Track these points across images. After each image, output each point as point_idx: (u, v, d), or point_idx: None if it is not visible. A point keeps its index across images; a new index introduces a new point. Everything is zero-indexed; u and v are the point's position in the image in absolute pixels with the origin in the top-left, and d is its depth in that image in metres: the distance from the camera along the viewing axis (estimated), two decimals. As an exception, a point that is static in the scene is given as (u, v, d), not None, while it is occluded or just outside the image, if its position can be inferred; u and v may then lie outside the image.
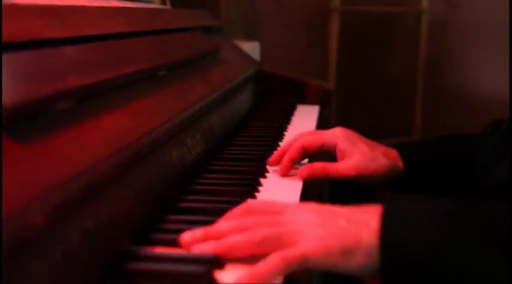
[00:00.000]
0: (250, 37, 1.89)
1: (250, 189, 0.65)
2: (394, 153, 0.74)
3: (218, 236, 0.49)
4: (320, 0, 2.26)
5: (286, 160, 0.73)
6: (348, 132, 0.74)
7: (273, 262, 0.45)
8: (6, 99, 0.39)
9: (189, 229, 0.54)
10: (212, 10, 1.22)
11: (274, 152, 0.76)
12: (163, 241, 0.51)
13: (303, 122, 1.06)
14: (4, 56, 0.43)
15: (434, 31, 2.40)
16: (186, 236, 0.50)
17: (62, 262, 0.40)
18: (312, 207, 0.52)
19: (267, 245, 0.47)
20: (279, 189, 0.68)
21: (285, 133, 0.97)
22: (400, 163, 0.73)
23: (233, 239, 0.48)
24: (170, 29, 0.86)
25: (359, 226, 0.48)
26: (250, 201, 0.61)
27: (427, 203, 0.51)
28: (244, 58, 1.28)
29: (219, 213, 0.57)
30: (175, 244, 0.51)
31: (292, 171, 0.73)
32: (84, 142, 0.47)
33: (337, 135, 0.73)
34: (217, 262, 0.47)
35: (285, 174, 0.72)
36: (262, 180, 0.69)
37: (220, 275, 0.45)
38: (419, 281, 0.46)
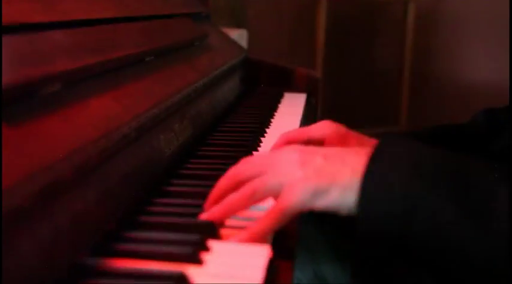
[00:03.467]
0: (237, 25, 1.89)
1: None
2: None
3: (219, 198, 0.54)
4: (308, -12, 2.27)
5: None
6: (336, 128, 0.70)
7: (262, 223, 0.50)
8: (-5, 81, 0.40)
9: (176, 212, 0.56)
10: (200, -3, 1.22)
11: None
12: (150, 223, 0.52)
13: (290, 109, 1.07)
14: (-8, 40, 0.44)
15: (422, 21, 2.41)
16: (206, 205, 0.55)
17: (50, 242, 0.40)
18: (292, 148, 0.54)
19: (258, 197, 0.52)
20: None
21: (271, 120, 0.98)
22: None
23: (228, 201, 0.52)
24: (158, 15, 0.87)
25: (336, 164, 0.51)
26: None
27: (415, 154, 0.51)
28: (231, 45, 1.28)
29: (206, 196, 0.59)
30: (162, 226, 0.52)
31: None
32: (71, 126, 0.47)
33: (324, 132, 0.69)
34: (202, 243, 0.48)
35: None
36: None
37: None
38: (393, 233, 0.47)
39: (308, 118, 1.04)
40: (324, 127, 0.70)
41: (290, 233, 0.54)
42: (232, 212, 0.53)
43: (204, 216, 0.53)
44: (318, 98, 1.29)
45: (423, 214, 0.46)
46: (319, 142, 0.69)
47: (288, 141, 0.70)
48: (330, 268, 0.75)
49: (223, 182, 0.55)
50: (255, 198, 0.52)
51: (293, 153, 0.53)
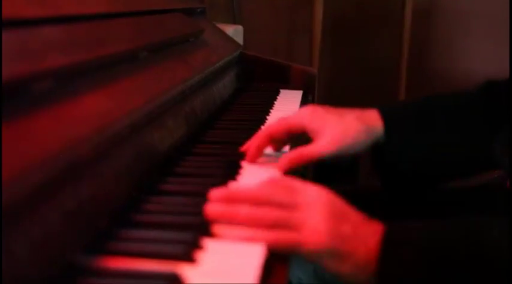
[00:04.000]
0: (233, 20, 1.89)
1: (232, 171, 0.66)
2: (370, 114, 0.72)
3: (237, 200, 0.52)
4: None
5: (252, 148, 0.71)
6: (312, 110, 0.71)
7: (270, 236, 0.49)
8: (-16, 78, 0.39)
9: (170, 210, 0.55)
10: (195, -8, 1.21)
11: (246, 143, 0.73)
12: (144, 222, 0.52)
13: (286, 106, 1.07)
14: (-18, 35, 0.43)
15: (419, 16, 2.40)
16: (213, 195, 0.53)
17: (42, 241, 0.40)
18: (328, 198, 0.53)
19: (275, 226, 0.50)
20: (260, 171, 0.68)
21: (267, 117, 0.97)
22: (379, 123, 0.71)
23: (246, 214, 0.51)
24: (152, 10, 0.86)
25: (359, 239, 0.50)
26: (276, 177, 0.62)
27: (424, 234, 0.52)
28: (227, 41, 1.27)
29: (201, 195, 0.58)
30: (156, 225, 0.51)
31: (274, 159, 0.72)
32: (64, 123, 0.47)
33: (302, 117, 0.71)
34: (196, 242, 0.47)
35: (253, 161, 0.70)
36: (243, 163, 0.70)
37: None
38: None
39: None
40: (300, 114, 0.72)
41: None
42: (238, 222, 0.51)
43: (211, 210, 0.51)
44: (315, 94, 1.28)
45: None
46: (299, 128, 0.71)
47: (269, 134, 0.71)
48: None
49: (250, 193, 0.53)
50: (272, 227, 0.50)
51: (331, 205, 0.52)
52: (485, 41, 2.37)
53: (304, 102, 1.13)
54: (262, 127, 0.89)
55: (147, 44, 0.74)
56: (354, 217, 0.52)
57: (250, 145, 0.71)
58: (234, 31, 1.56)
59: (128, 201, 0.55)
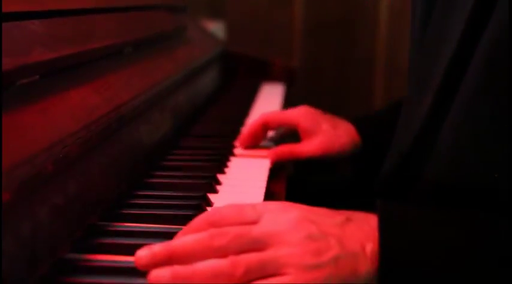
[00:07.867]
0: (215, 15, 1.88)
1: (219, 164, 0.66)
2: (353, 128, 0.74)
3: (183, 257, 0.40)
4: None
5: (245, 133, 0.74)
6: (310, 111, 0.74)
7: None
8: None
9: (158, 205, 0.55)
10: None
11: (241, 131, 0.76)
12: (133, 216, 0.52)
13: (268, 100, 1.07)
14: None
15: (395, 14, 2.42)
16: (142, 255, 0.40)
17: (30, 237, 0.39)
18: (294, 218, 0.42)
19: (249, 277, 0.39)
20: (247, 164, 0.69)
21: (250, 110, 0.97)
22: (358, 138, 0.74)
23: (205, 269, 0.39)
24: (135, 6, 0.85)
25: (354, 254, 0.42)
26: (213, 208, 0.52)
27: (425, 219, 0.45)
28: (209, 37, 1.28)
29: (188, 189, 0.58)
30: (144, 219, 0.51)
31: (262, 151, 0.73)
32: (51, 118, 0.46)
33: (299, 114, 0.73)
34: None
35: (244, 146, 0.74)
36: (230, 156, 0.70)
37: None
38: None
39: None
40: (297, 112, 0.74)
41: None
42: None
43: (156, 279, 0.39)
44: (296, 88, 1.30)
45: None
46: (292, 124, 0.73)
47: (264, 122, 0.74)
48: None
49: (197, 224, 0.43)
50: (244, 279, 0.39)
51: (299, 230, 0.41)
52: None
53: (285, 95, 1.14)
54: (247, 120, 0.90)
55: (132, 39, 0.74)
56: (335, 231, 0.42)
57: (244, 131, 0.74)
58: (217, 27, 1.56)
59: (116, 196, 0.55)
